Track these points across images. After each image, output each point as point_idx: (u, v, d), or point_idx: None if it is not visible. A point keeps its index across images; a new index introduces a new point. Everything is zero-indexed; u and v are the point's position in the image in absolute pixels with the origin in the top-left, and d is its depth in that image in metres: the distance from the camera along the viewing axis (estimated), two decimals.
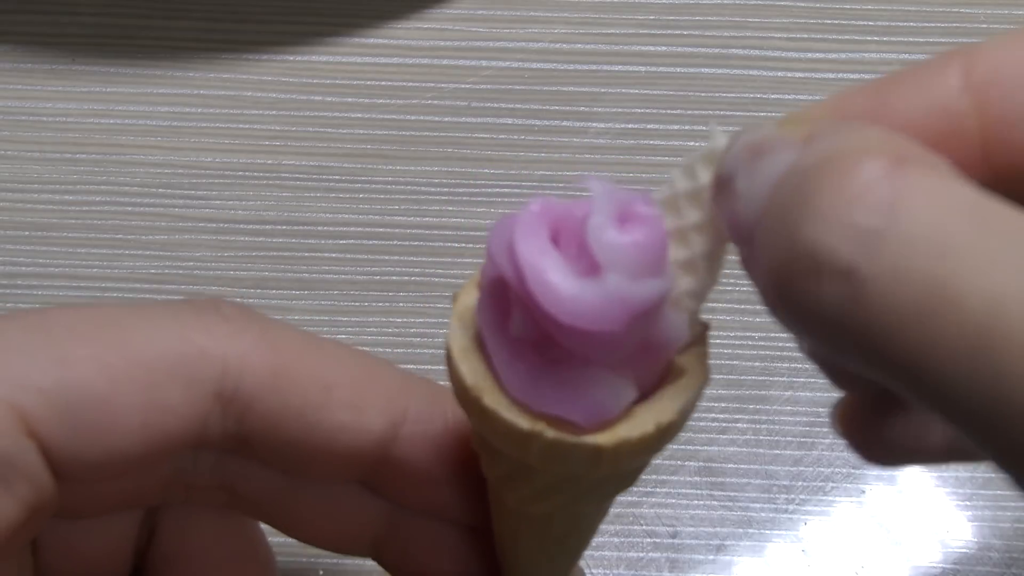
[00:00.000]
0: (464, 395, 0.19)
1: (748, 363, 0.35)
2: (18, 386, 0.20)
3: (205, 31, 0.41)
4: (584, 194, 0.18)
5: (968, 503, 0.34)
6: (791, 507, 0.34)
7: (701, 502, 0.34)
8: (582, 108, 0.39)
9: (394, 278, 0.37)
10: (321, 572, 0.33)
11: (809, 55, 0.41)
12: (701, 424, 0.35)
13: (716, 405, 0.35)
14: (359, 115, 0.39)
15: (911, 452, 0.20)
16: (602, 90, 0.40)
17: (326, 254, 0.37)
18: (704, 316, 0.20)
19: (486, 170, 0.38)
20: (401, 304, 0.37)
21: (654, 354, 0.19)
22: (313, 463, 0.22)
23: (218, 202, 0.38)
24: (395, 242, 0.37)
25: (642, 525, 0.33)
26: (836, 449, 0.34)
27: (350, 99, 0.40)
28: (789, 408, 0.35)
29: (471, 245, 0.37)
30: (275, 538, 0.26)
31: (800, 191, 0.16)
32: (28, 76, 0.40)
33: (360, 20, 0.41)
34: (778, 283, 0.16)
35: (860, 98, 0.19)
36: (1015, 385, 0.14)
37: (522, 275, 0.17)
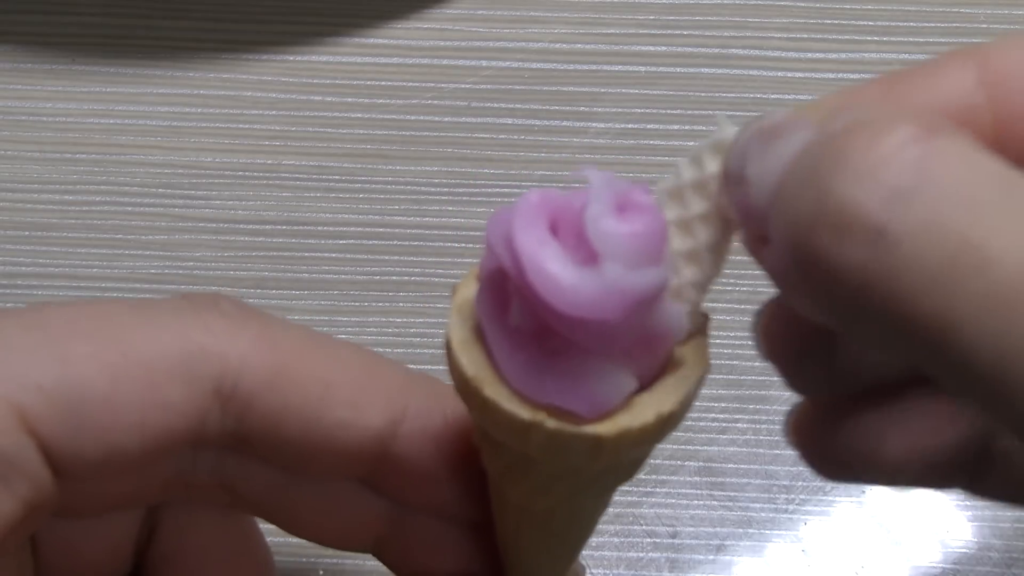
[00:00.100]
0: (465, 386, 0.20)
1: (748, 363, 0.35)
2: (17, 383, 0.20)
3: (205, 31, 0.41)
4: (582, 185, 0.18)
5: (968, 503, 0.34)
6: (791, 507, 0.34)
7: (701, 502, 0.34)
8: (582, 108, 0.39)
9: (394, 278, 0.37)
10: (321, 572, 0.33)
11: (809, 55, 0.41)
12: (701, 424, 0.35)
13: (716, 405, 0.35)
14: (359, 115, 0.39)
15: (864, 464, 0.20)
16: (602, 90, 0.40)
17: (326, 254, 0.37)
18: (705, 309, 0.20)
19: (486, 170, 0.38)
20: (401, 304, 0.37)
21: (654, 344, 0.19)
22: (313, 460, 0.22)
23: (218, 202, 0.38)
24: (395, 242, 0.37)
25: (642, 525, 0.33)
26: None
27: (350, 99, 0.40)
28: (789, 408, 0.35)
29: (471, 245, 0.37)
30: (275, 538, 0.26)
31: (828, 152, 0.16)
32: (28, 76, 0.40)
33: (360, 20, 0.41)
34: (801, 245, 0.16)
35: (874, 90, 0.19)
36: None
37: (521, 265, 0.17)
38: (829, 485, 0.34)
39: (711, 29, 0.41)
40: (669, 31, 0.41)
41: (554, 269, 0.17)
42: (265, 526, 0.25)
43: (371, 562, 0.25)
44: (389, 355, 0.24)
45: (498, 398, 0.19)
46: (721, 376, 0.35)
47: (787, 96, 0.40)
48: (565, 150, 0.39)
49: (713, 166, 0.19)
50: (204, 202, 0.38)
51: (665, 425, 0.19)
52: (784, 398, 0.35)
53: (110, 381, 0.21)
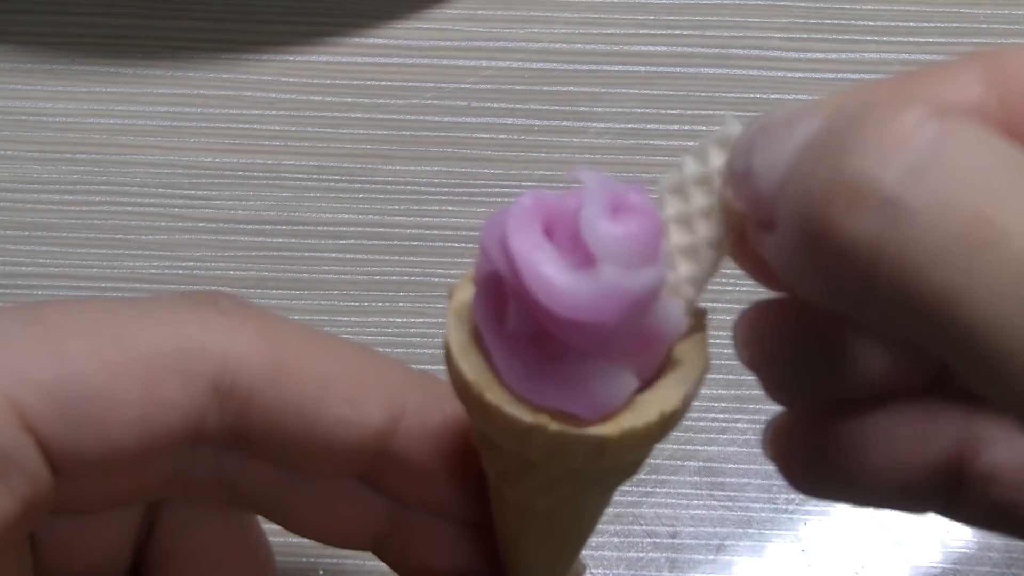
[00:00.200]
0: (465, 392, 0.19)
1: None
2: (15, 380, 0.20)
3: (205, 31, 0.41)
4: (576, 186, 0.18)
5: None
6: (791, 507, 0.34)
7: (701, 502, 0.34)
8: (582, 108, 0.39)
9: (394, 278, 0.37)
10: (321, 572, 0.33)
11: (809, 55, 0.41)
12: (701, 424, 0.35)
13: (716, 405, 0.35)
14: (359, 115, 0.39)
15: (842, 479, 0.20)
16: (602, 90, 0.40)
17: (326, 254, 0.37)
18: (703, 306, 0.20)
19: (486, 170, 0.38)
20: (401, 304, 0.37)
21: (653, 343, 0.19)
22: (312, 457, 0.22)
23: (218, 202, 0.38)
24: (395, 242, 0.37)
25: (642, 525, 0.33)
26: None
27: (350, 99, 0.40)
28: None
29: (471, 245, 0.37)
30: (276, 538, 0.26)
31: (846, 128, 0.16)
32: (28, 76, 0.40)
33: (360, 20, 0.41)
34: (813, 220, 0.16)
35: (883, 89, 0.19)
36: None
37: (517, 270, 0.17)
38: None
39: (711, 29, 0.41)
40: (669, 31, 0.41)
41: (550, 273, 0.17)
42: (266, 525, 0.25)
43: (371, 562, 0.25)
44: (389, 355, 0.24)
45: (500, 403, 0.19)
46: (721, 376, 0.35)
47: (787, 96, 0.40)
48: (565, 150, 0.39)
49: (718, 161, 0.19)
50: (204, 202, 0.38)
51: (668, 423, 0.19)
52: None
53: (108, 378, 0.21)
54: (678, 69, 0.40)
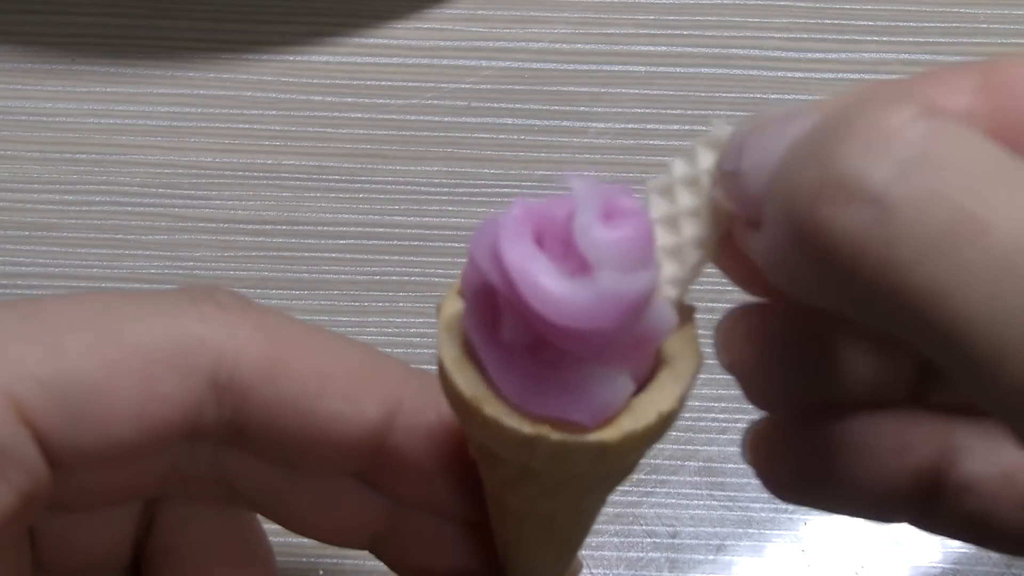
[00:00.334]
0: (463, 406, 0.19)
1: None
2: (13, 374, 0.20)
3: (205, 31, 0.41)
4: (565, 192, 0.18)
5: None
6: (791, 507, 0.34)
7: (701, 502, 0.34)
8: (582, 108, 0.39)
9: (394, 278, 0.37)
10: (321, 572, 0.33)
11: (809, 55, 0.41)
12: (701, 424, 0.35)
13: (716, 405, 0.35)
14: (359, 115, 0.39)
15: (821, 486, 0.20)
16: (602, 90, 0.40)
17: (326, 254, 0.37)
18: (691, 302, 0.20)
19: (486, 170, 0.38)
20: (401, 304, 0.37)
21: (646, 344, 0.19)
22: (309, 453, 0.22)
23: (218, 202, 0.38)
24: (395, 242, 0.37)
25: (642, 525, 0.33)
26: None
27: (350, 99, 0.40)
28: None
29: None
30: (275, 538, 0.26)
31: (835, 126, 0.16)
32: (28, 76, 0.40)
33: (360, 20, 0.41)
34: (801, 215, 0.16)
35: (874, 91, 0.19)
36: None
37: (512, 281, 0.17)
38: None
39: (711, 29, 0.41)
40: (669, 31, 0.41)
41: (546, 282, 0.17)
42: (266, 525, 0.25)
43: (371, 562, 0.25)
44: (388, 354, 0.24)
45: (498, 415, 0.19)
46: (721, 376, 0.35)
47: (787, 96, 0.40)
48: (565, 150, 0.39)
49: (706, 162, 0.19)
50: (204, 202, 0.38)
51: (666, 423, 0.19)
52: None
53: (106, 372, 0.21)
54: (678, 69, 0.40)
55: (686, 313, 0.20)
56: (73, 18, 0.41)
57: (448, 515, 0.24)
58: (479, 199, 0.38)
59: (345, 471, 0.23)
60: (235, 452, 0.23)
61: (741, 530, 0.33)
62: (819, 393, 0.21)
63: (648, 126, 0.39)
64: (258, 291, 0.37)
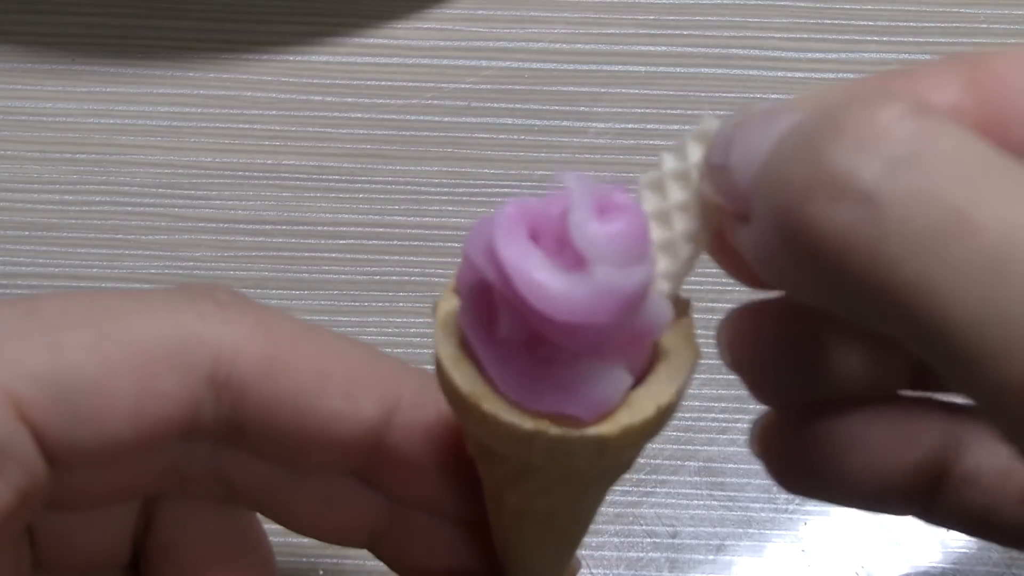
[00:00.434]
0: (461, 403, 0.19)
1: None
2: (11, 371, 0.20)
3: (205, 31, 0.41)
4: (557, 189, 0.18)
5: None
6: (791, 507, 0.34)
7: (701, 502, 0.34)
8: (582, 108, 0.40)
9: (394, 278, 0.37)
10: (321, 572, 0.33)
11: (809, 55, 0.41)
12: (701, 424, 0.35)
13: (716, 405, 0.35)
14: (359, 115, 0.39)
15: (827, 478, 0.20)
16: (602, 90, 0.40)
17: (326, 254, 0.37)
18: (685, 294, 0.20)
19: (486, 170, 0.38)
20: (401, 304, 0.37)
21: (642, 338, 0.19)
22: (307, 451, 0.22)
23: (218, 202, 0.38)
24: (395, 242, 0.37)
25: (642, 525, 0.33)
26: None
27: (350, 99, 0.40)
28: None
29: None
30: (276, 538, 0.26)
31: (824, 122, 0.16)
32: (28, 76, 0.40)
33: (360, 20, 0.41)
34: (789, 212, 0.16)
35: (862, 87, 0.19)
36: (1021, 309, 0.14)
37: (508, 278, 0.17)
38: None
39: (711, 29, 0.41)
40: (669, 31, 0.41)
41: (543, 278, 0.17)
42: (267, 525, 0.25)
43: (371, 562, 0.25)
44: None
45: (497, 411, 0.19)
46: (721, 376, 0.35)
47: (787, 96, 0.40)
48: (565, 150, 0.39)
49: (696, 156, 0.19)
50: (204, 202, 0.38)
51: (664, 417, 0.19)
52: None
53: (104, 369, 0.21)
54: (678, 69, 0.40)
55: (682, 307, 0.20)
56: (73, 18, 0.41)
57: (446, 514, 0.24)
58: (479, 199, 0.38)
59: (343, 470, 0.23)
60: (233, 450, 0.23)
61: (741, 530, 0.33)
62: (819, 389, 0.21)
63: (648, 126, 0.39)
64: (258, 291, 0.37)
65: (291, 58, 0.40)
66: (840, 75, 0.40)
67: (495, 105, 0.40)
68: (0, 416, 0.20)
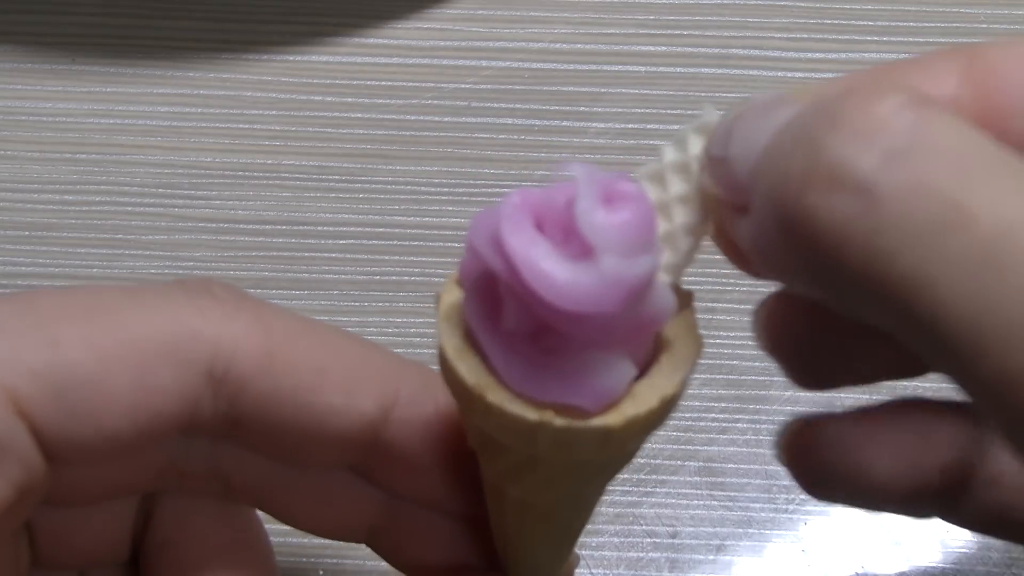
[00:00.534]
0: (466, 395, 0.19)
1: (748, 363, 0.35)
2: (9, 367, 0.20)
3: (205, 31, 0.41)
4: (562, 179, 0.18)
5: None
6: (791, 507, 0.34)
7: (701, 502, 0.34)
8: (582, 108, 0.40)
9: (394, 278, 0.37)
10: (321, 572, 0.33)
11: (809, 55, 0.41)
12: (701, 424, 0.35)
13: (716, 405, 0.35)
14: (359, 115, 0.39)
15: (853, 483, 0.20)
16: (602, 90, 0.40)
17: (326, 254, 0.37)
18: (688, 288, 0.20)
19: (486, 170, 0.38)
20: (401, 304, 0.37)
21: (646, 329, 0.19)
22: (305, 446, 0.22)
23: (218, 202, 0.38)
24: (395, 242, 0.37)
25: (642, 525, 0.33)
26: None
27: (350, 99, 0.40)
28: (789, 408, 0.35)
29: None
30: (276, 538, 0.26)
31: (823, 113, 0.16)
32: (28, 76, 0.40)
33: (360, 20, 0.41)
34: (787, 203, 0.16)
35: (862, 79, 0.19)
36: (1017, 301, 0.14)
37: (515, 268, 0.17)
38: None
39: (711, 29, 0.41)
40: (669, 31, 0.41)
41: (550, 268, 0.17)
42: (268, 525, 0.25)
43: (371, 562, 0.25)
44: None
45: (502, 403, 0.19)
46: (721, 376, 0.35)
47: None
48: (565, 150, 0.39)
49: (696, 148, 0.19)
50: (204, 202, 0.38)
51: (668, 408, 0.19)
52: (784, 398, 0.35)
53: (102, 364, 0.21)
54: (678, 69, 0.40)
55: (685, 298, 0.20)
56: (73, 18, 0.41)
57: (444, 509, 0.24)
58: (479, 199, 0.38)
59: (341, 465, 0.24)
60: (231, 446, 0.23)
61: (741, 530, 0.33)
62: (854, 373, 0.21)
63: (648, 126, 0.39)
64: (258, 291, 0.37)
65: (291, 58, 0.40)
66: (840, 75, 0.40)
67: (495, 105, 0.40)
68: None
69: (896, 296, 0.15)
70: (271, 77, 0.40)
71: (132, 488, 0.24)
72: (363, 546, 0.25)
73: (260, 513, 0.25)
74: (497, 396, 0.19)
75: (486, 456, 0.21)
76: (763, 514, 0.33)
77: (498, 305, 0.18)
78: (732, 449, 0.34)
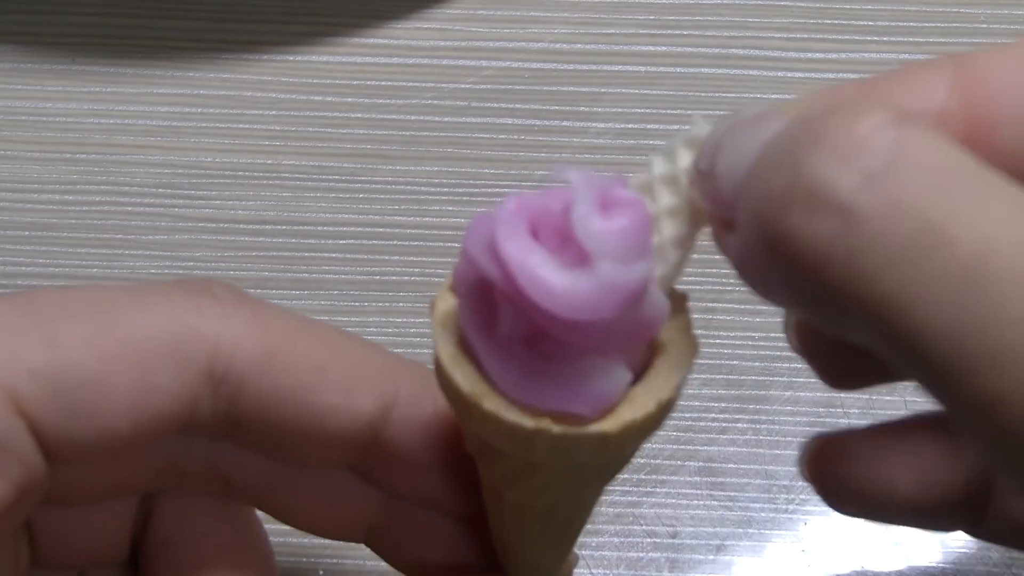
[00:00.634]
0: (462, 402, 0.19)
1: (748, 363, 0.35)
2: (9, 366, 0.20)
3: (205, 31, 0.41)
4: (557, 185, 0.18)
5: None
6: (791, 507, 0.34)
7: (701, 502, 0.34)
8: (582, 108, 0.39)
9: (394, 278, 0.37)
10: (321, 572, 0.33)
11: (809, 55, 0.41)
12: (701, 424, 0.35)
13: (716, 405, 0.35)
14: (359, 115, 0.39)
15: (878, 499, 0.20)
16: (602, 90, 0.40)
17: (326, 254, 0.37)
18: (682, 289, 0.20)
19: (486, 170, 0.38)
20: (401, 304, 0.37)
21: (641, 334, 0.19)
22: (304, 446, 0.22)
23: (218, 202, 0.38)
24: (395, 242, 0.37)
25: (642, 525, 0.33)
26: None
27: (350, 99, 0.40)
28: (789, 408, 0.35)
29: None
30: (276, 538, 0.26)
31: (805, 132, 0.16)
32: (28, 76, 0.40)
33: (360, 20, 0.41)
34: (770, 223, 0.16)
35: (848, 92, 0.19)
36: (997, 322, 0.14)
37: (511, 275, 0.17)
38: None
39: (711, 29, 0.41)
40: (669, 31, 0.41)
41: (547, 275, 0.17)
42: (268, 525, 0.25)
43: (371, 562, 0.25)
44: None
45: (498, 410, 0.19)
46: (721, 376, 0.35)
47: (787, 96, 0.40)
48: (565, 150, 0.39)
49: (685, 160, 0.19)
50: (204, 202, 0.38)
51: (665, 412, 0.19)
52: (784, 398, 0.35)
53: (101, 364, 0.21)
54: (678, 69, 0.40)
55: (679, 302, 0.20)
56: (73, 18, 0.41)
57: (444, 508, 0.24)
58: (479, 199, 0.38)
59: (340, 464, 0.24)
60: (230, 446, 0.23)
61: (741, 530, 0.33)
62: (877, 375, 0.21)
63: (648, 126, 0.39)
64: (258, 291, 0.37)
65: (291, 58, 0.40)
66: (840, 75, 0.40)
67: (495, 105, 0.40)
68: None
69: (877, 316, 0.15)
70: (271, 77, 0.40)
71: (131, 488, 0.24)
72: (363, 546, 0.25)
73: (260, 513, 0.25)
74: (493, 404, 0.19)
75: (484, 462, 0.21)
76: (763, 514, 0.33)
77: (493, 311, 0.18)
78: (732, 449, 0.34)
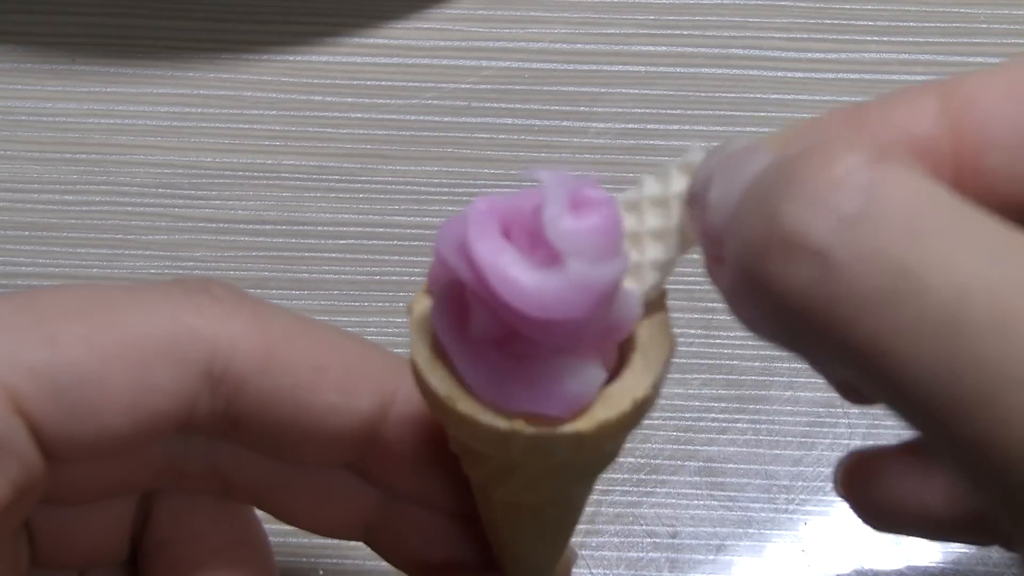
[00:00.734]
0: (439, 405, 0.19)
1: (748, 363, 0.35)
2: (8, 365, 0.20)
3: (205, 31, 0.41)
4: (527, 186, 0.18)
5: None
6: (791, 507, 0.34)
7: (701, 502, 0.34)
8: (582, 108, 0.39)
9: (394, 278, 0.37)
10: (321, 572, 0.33)
11: (809, 55, 0.41)
12: (701, 424, 0.35)
13: (716, 405, 0.35)
14: (359, 115, 0.39)
15: (913, 515, 0.20)
16: (602, 90, 0.40)
17: (326, 254, 0.37)
18: (675, 288, 0.20)
19: (486, 170, 0.38)
20: (401, 304, 0.37)
21: (614, 333, 0.19)
22: (302, 445, 0.23)
23: (218, 202, 0.38)
24: (395, 242, 0.37)
25: (642, 525, 0.33)
26: (836, 449, 0.34)
27: (350, 99, 0.40)
28: (789, 408, 0.35)
29: None
30: (276, 538, 0.26)
31: (782, 175, 0.16)
32: (28, 76, 0.40)
33: (360, 20, 0.41)
34: (750, 268, 0.16)
35: (836, 119, 0.19)
36: (974, 368, 0.14)
37: (482, 275, 0.17)
38: (829, 485, 0.34)
39: (711, 29, 0.41)
40: (669, 31, 0.41)
41: (517, 275, 0.17)
42: (268, 526, 0.25)
43: (371, 562, 0.25)
44: None
45: (473, 412, 0.19)
46: (721, 376, 0.35)
47: (787, 96, 0.40)
48: (565, 150, 0.39)
49: (678, 185, 0.19)
50: (204, 202, 0.38)
51: (641, 410, 0.19)
52: (784, 398, 0.35)
53: (100, 363, 0.21)
54: (678, 69, 0.40)
55: (658, 299, 0.20)
56: (73, 18, 0.41)
57: (441, 506, 0.24)
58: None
59: (339, 463, 0.24)
60: (229, 445, 0.23)
61: (741, 530, 0.33)
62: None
63: (648, 126, 0.39)
64: (258, 291, 0.37)
65: (291, 58, 0.40)
66: (840, 75, 0.40)
67: (495, 105, 0.40)
68: None
69: (858, 360, 0.15)
70: (271, 77, 0.40)
71: (131, 487, 0.24)
72: (363, 546, 0.25)
73: (260, 513, 0.25)
74: (468, 407, 0.19)
75: (467, 462, 0.21)
76: (763, 514, 0.33)
77: (466, 313, 0.18)
78: (732, 449, 0.34)
